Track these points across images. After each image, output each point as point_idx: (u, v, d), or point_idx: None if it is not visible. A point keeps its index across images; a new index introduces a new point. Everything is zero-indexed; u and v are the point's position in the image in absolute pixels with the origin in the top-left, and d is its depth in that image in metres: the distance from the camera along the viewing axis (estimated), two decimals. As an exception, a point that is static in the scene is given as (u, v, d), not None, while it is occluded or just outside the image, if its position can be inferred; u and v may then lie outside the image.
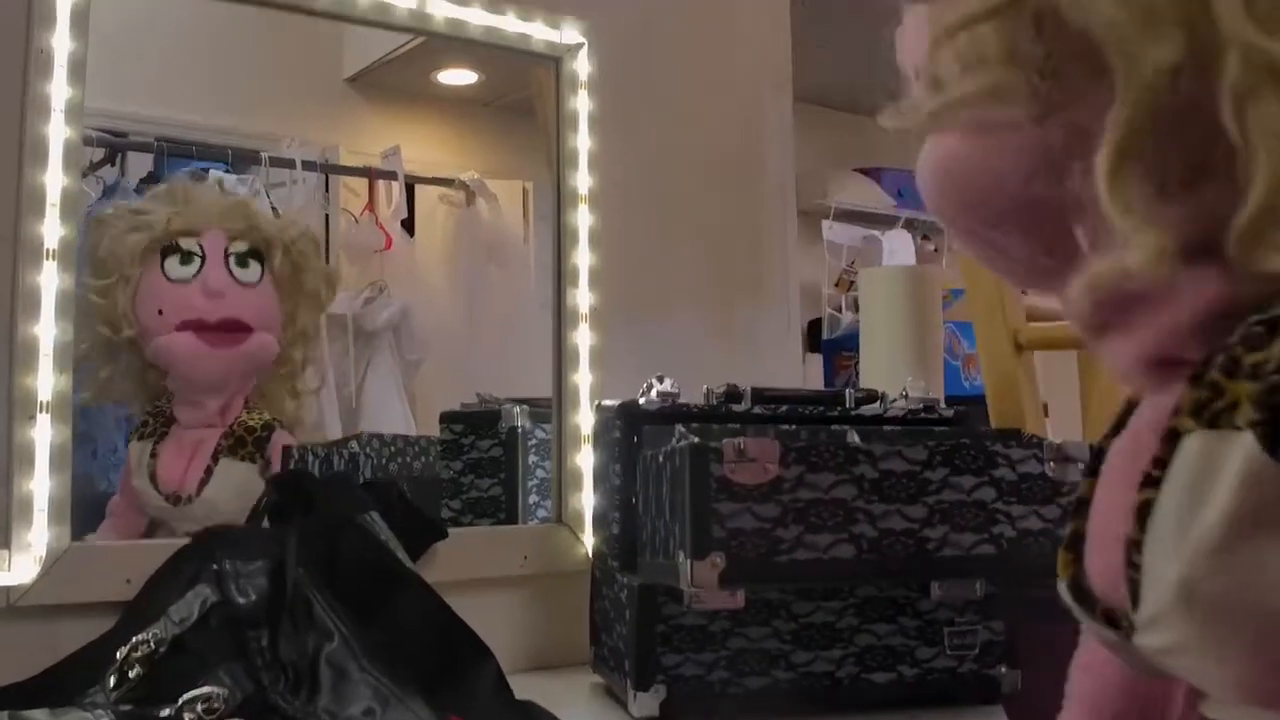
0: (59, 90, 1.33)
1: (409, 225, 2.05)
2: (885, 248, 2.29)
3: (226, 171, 1.91)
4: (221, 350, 1.60)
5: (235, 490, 1.56)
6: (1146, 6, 0.41)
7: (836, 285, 2.26)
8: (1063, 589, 0.54)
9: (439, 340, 2.06)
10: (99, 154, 1.84)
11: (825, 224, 2.26)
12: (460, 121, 2.13)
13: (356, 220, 2.05)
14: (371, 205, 2.05)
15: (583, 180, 1.64)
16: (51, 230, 1.31)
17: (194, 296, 1.62)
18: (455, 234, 2.08)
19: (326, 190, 2.03)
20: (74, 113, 1.34)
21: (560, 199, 1.64)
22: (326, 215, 2.03)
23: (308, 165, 1.98)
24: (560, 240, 1.63)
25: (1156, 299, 0.47)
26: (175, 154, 1.89)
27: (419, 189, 2.07)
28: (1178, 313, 0.46)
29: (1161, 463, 0.45)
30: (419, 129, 2.11)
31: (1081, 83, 0.45)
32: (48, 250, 1.31)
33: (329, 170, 2.01)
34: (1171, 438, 0.45)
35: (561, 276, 1.63)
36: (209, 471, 1.59)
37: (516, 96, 1.97)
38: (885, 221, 2.32)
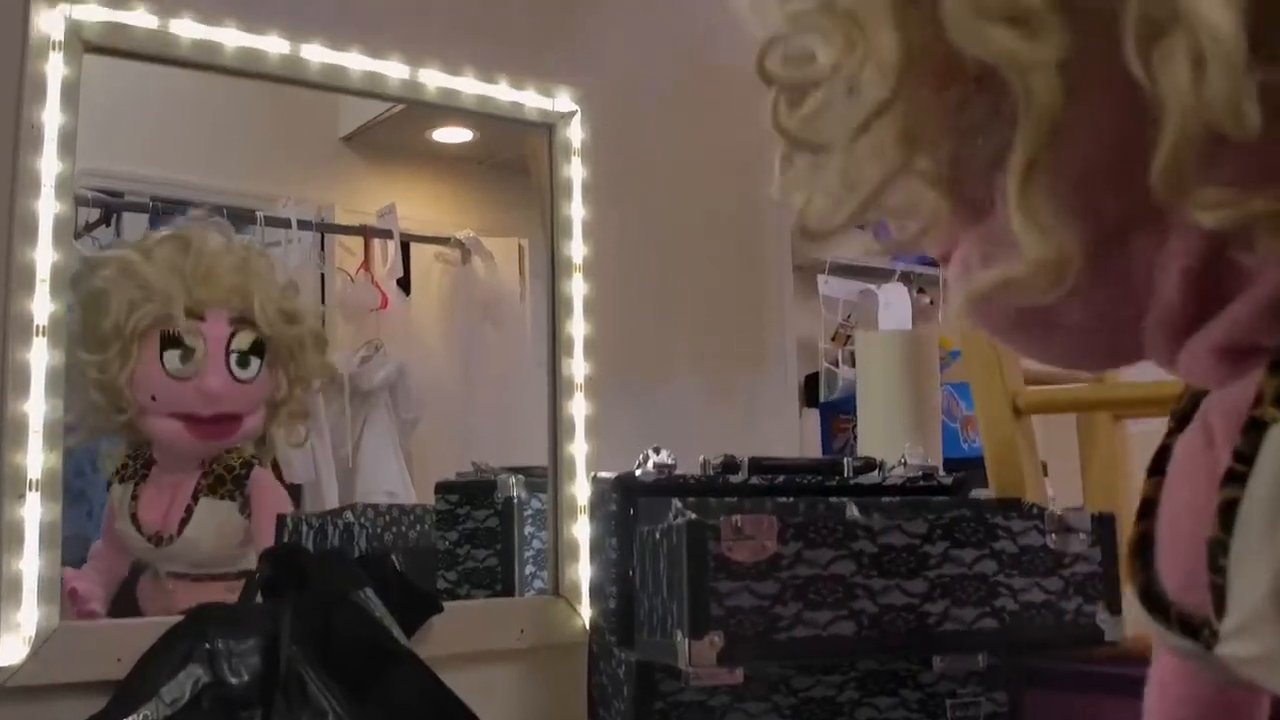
0: (49, 165, 1.33)
1: (405, 284, 2.04)
2: (881, 301, 2.28)
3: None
4: (209, 441, 1.60)
5: (215, 529, 1.57)
6: (1021, 12, 0.40)
7: (833, 339, 2.25)
8: (1131, 599, 0.51)
9: (435, 399, 2.04)
10: (94, 214, 1.83)
11: (821, 278, 2.26)
12: (455, 179, 2.12)
13: (352, 279, 2.04)
14: (367, 264, 2.04)
15: (577, 249, 1.63)
16: (41, 306, 1.31)
17: (189, 394, 1.60)
18: (451, 292, 2.07)
19: (322, 249, 2.02)
20: (64, 187, 1.34)
21: (554, 267, 1.63)
22: (322, 274, 2.02)
23: (303, 224, 1.97)
24: (555, 309, 1.62)
25: (1233, 289, 0.44)
26: (170, 214, 1.88)
27: (415, 247, 2.06)
28: (1252, 297, 0.43)
29: (1245, 457, 0.42)
30: (414, 187, 2.11)
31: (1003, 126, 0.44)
32: (38, 327, 1.30)
33: (324, 229, 2.00)
34: (1255, 428, 0.42)
35: (556, 345, 1.62)
36: (189, 511, 1.58)
37: (511, 154, 1.97)
38: (881, 275, 2.31)
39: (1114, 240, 0.44)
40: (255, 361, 1.62)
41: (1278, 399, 0.42)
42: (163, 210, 1.87)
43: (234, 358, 1.61)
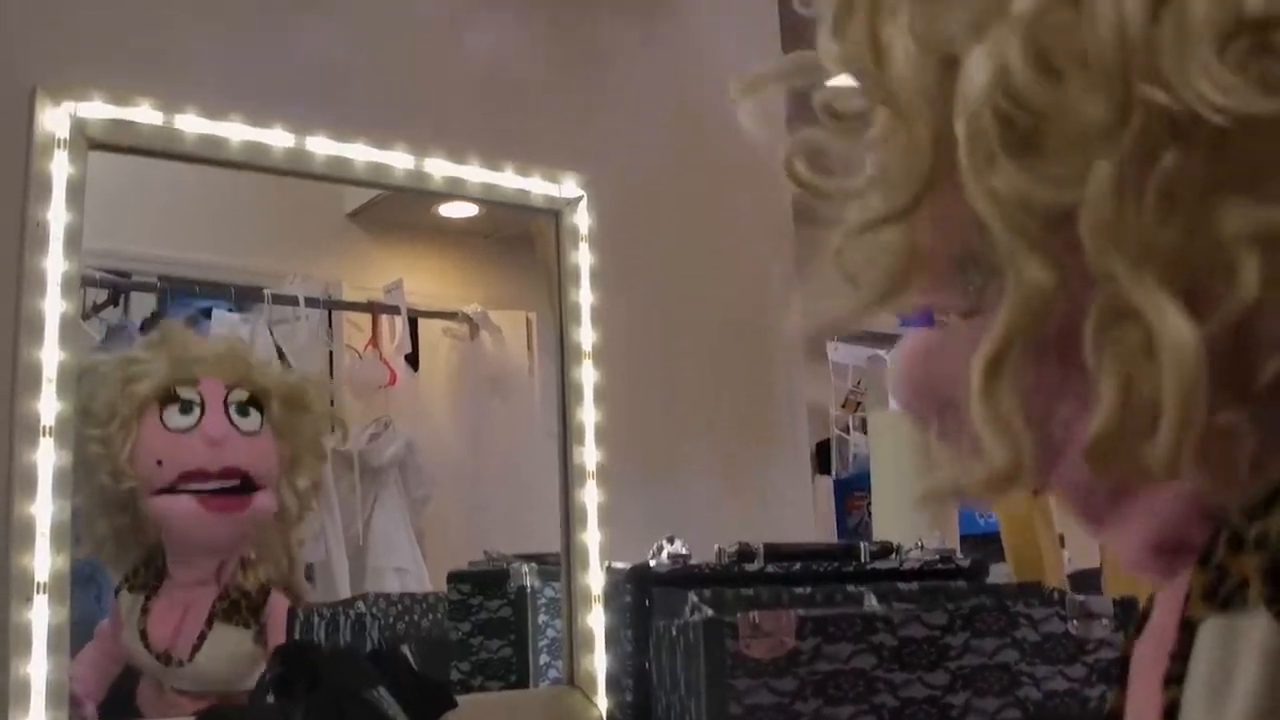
0: (55, 263, 1.32)
1: (413, 359, 2.03)
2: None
3: (229, 310, 1.90)
4: (222, 515, 1.56)
5: (228, 657, 1.53)
6: (1024, 227, 0.41)
7: (843, 406, 2.24)
8: None
9: (445, 475, 2.03)
10: (102, 295, 1.83)
11: (830, 345, 2.25)
12: (462, 253, 2.12)
13: (360, 356, 2.03)
14: (375, 340, 2.03)
15: (586, 335, 1.62)
16: (48, 406, 1.30)
17: (194, 445, 1.59)
18: (460, 368, 2.06)
19: (330, 326, 2.01)
20: (70, 285, 1.33)
21: (564, 354, 1.62)
22: (330, 351, 2.01)
23: (310, 302, 1.97)
24: (565, 396, 1.61)
25: (1150, 489, 0.45)
26: (178, 293, 1.87)
27: (422, 322, 2.05)
28: (1175, 495, 0.44)
29: (1182, 657, 0.42)
30: (421, 262, 2.10)
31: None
32: (44, 427, 1.29)
33: (332, 306, 1.99)
34: (1187, 628, 0.42)
35: (567, 433, 1.61)
36: (202, 636, 1.55)
37: (517, 229, 1.96)
38: (890, 341, 2.30)
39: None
40: (255, 413, 1.61)
41: (1206, 595, 0.42)
42: (170, 290, 1.87)
43: (233, 408, 1.60)
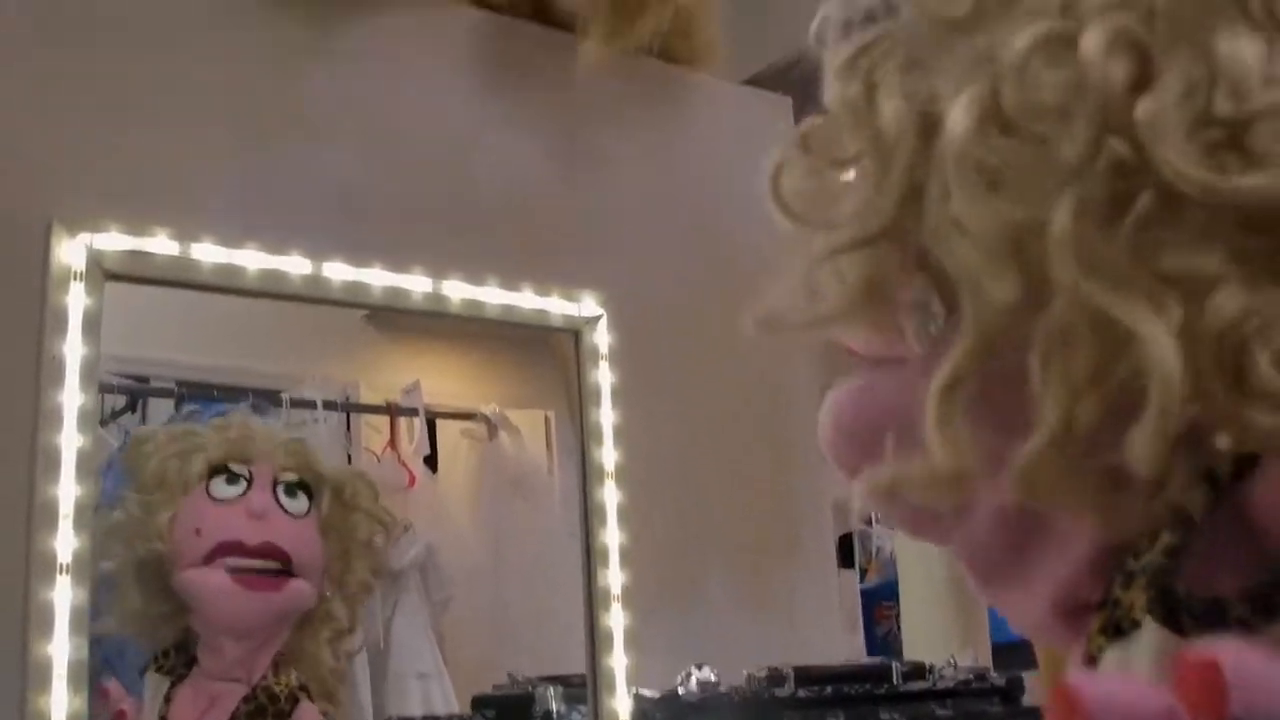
0: (71, 398, 1.31)
1: (432, 461, 2.02)
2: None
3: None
4: (254, 594, 1.50)
5: None
6: (991, 247, 0.43)
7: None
8: None
9: (467, 578, 2.01)
10: (120, 401, 1.82)
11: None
12: (479, 352, 2.11)
13: (379, 459, 2.01)
14: (394, 442, 2.02)
15: (608, 456, 1.60)
16: (64, 543, 1.28)
17: (236, 516, 1.53)
18: (479, 469, 2.04)
19: (348, 428, 2.00)
20: (86, 420, 1.32)
21: (585, 475, 1.61)
22: (349, 454, 1.99)
23: (328, 405, 1.95)
24: (588, 518, 1.59)
25: (1049, 548, 0.47)
26: (196, 398, 1.86)
27: (441, 423, 2.04)
28: (1074, 555, 0.46)
29: None
30: (438, 362, 2.09)
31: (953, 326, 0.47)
32: (61, 564, 1.28)
33: (350, 409, 1.98)
34: (1090, 664, 0.44)
35: (591, 556, 1.58)
36: None
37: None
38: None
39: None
40: (303, 497, 1.58)
41: (1103, 629, 0.44)
42: (188, 396, 1.86)
43: (282, 487, 1.57)
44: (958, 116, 0.44)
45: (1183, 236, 0.41)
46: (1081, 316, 0.42)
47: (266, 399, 1.89)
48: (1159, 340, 0.40)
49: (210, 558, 1.49)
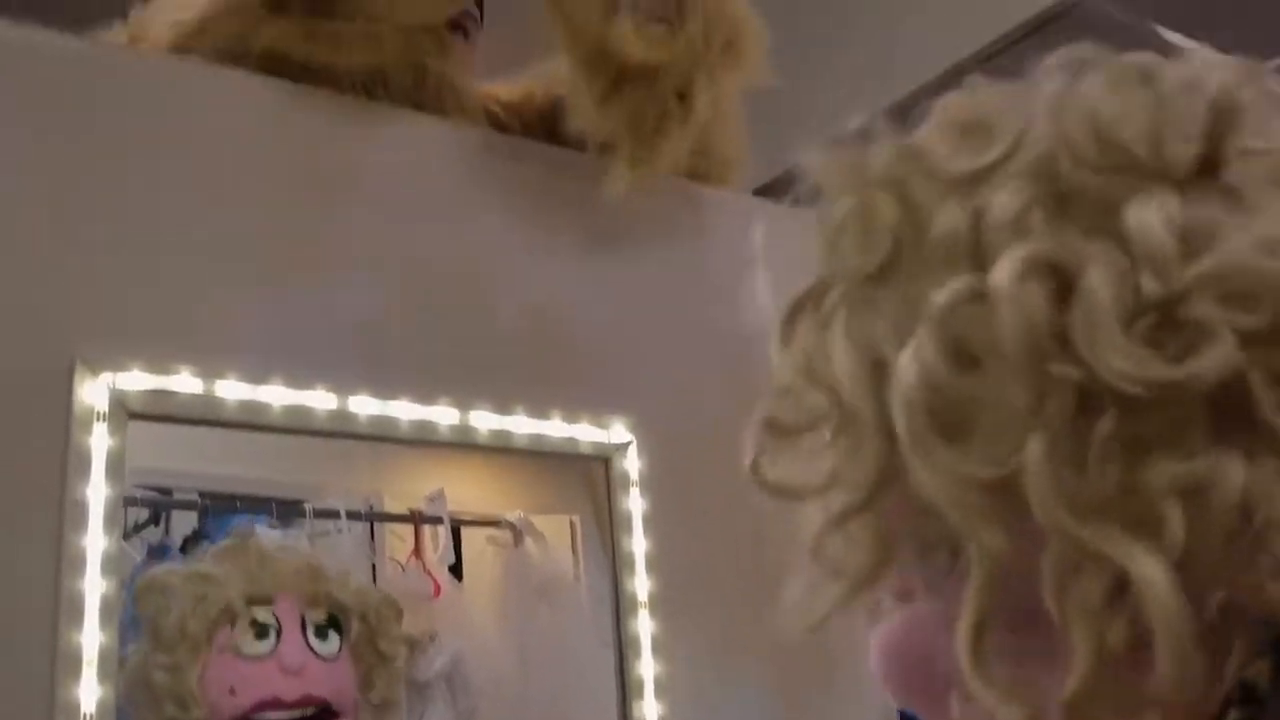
0: (94, 541, 1.30)
1: (457, 570, 2.00)
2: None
3: (270, 526, 1.87)
4: None
5: None
6: (967, 506, 0.43)
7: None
8: None
9: (494, 687, 1.98)
10: (143, 514, 1.81)
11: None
12: (502, 458, 2.09)
13: (403, 568, 1.99)
14: (418, 550, 2.00)
15: (641, 585, 1.58)
16: (88, 693, 1.27)
17: (271, 674, 1.53)
18: (504, 576, 2.02)
19: (372, 538, 1.98)
20: (110, 564, 1.30)
21: (619, 606, 1.58)
22: (373, 564, 1.98)
23: (352, 515, 1.94)
24: (622, 651, 1.57)
25: None
26: (219, 510, 1.85)
27: (465, 531, 2.02)
28: None
29: None
30: (462, 469, 2.07)
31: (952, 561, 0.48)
32: (85, 715, 1.26)
33: (374, 518, 1.97)
34: None
35: (626, 689, 1.56)
36: None
37: (559, 432, 1.94)
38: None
39: None
40: (335, 636, 1.56)
41: None
42: (211, 508, 1.85)
43: (311, 630, 1.55)
44: (903, 373, 0.44)
45: (1160, 433, 0.41)
46: (1081, 553, 0.41)
47: (290, 509, 1.88)
48: (1152, 579, 0.39)
49: (248, 715, 1.49)
